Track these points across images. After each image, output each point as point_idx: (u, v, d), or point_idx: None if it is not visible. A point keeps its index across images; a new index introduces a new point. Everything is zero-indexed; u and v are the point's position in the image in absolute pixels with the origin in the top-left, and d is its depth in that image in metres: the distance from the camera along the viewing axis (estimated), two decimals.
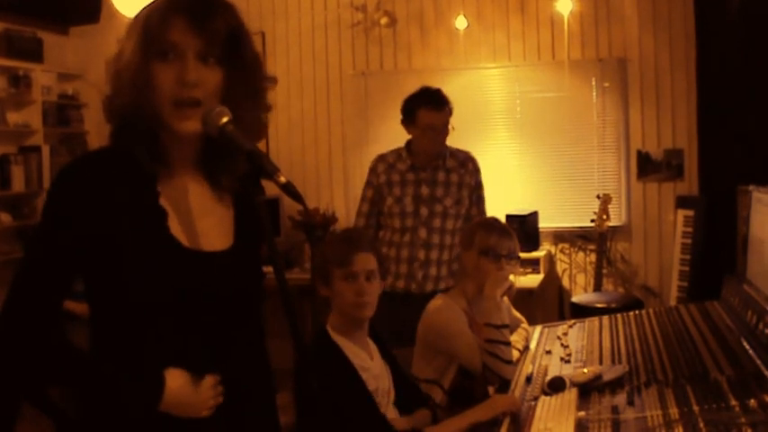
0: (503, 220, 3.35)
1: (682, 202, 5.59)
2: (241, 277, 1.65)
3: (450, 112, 4.00)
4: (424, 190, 4.04)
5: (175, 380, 1.55)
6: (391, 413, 2.57)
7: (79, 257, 1.51)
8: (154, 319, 1.53)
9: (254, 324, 1.72)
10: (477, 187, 4.16)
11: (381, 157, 4.18)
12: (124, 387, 1.53)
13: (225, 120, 1.51)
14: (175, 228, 1.57)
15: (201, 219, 1.62)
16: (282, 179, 1.45)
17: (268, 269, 1.49)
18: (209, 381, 1.58)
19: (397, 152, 4.13)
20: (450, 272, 4.07)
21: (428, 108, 3.94)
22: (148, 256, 1.52)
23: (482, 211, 4.17)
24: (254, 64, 1.63)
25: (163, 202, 1.57)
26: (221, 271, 1.60)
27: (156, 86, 1.52)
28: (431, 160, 4.05)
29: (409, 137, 4.11)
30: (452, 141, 4.12)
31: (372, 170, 4.17)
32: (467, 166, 4.12)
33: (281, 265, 1.49)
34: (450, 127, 4.01)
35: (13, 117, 6.24)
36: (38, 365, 1.53)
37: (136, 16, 1.56)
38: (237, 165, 1.61)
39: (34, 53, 6.35)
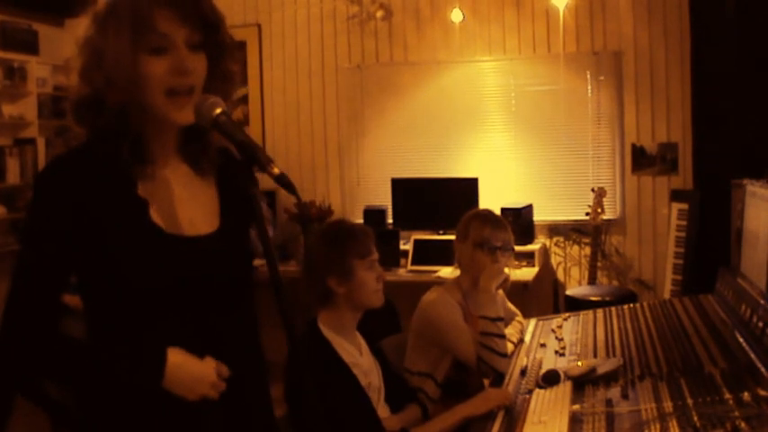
0: (497, 213, 3.35)
1: (676, 196, 5.59)
2: (228, 260, 1.66)
3: None
4: None
5: (177, 356, 1.55)
6: (383, 410, 2.56)
7: (69, 255, 1.52)
8: (145, 308, 1.54)
9: (247, 310, 1.72)
10: None
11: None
12: (126, 368, 1.53)
13: (218, 111, 1.52)
14: (157, 216, 1.58)
15: (185, 205, 1.63)
16: (276, 170, 1.45)
17: (262, 261, 1.48)
18: (211, 361, 1.58)
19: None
20: None
21: None
22: (133, 247, 1.53)
23: None
24: (231, 49, 1.64)
25: (142, 193, 1.58)
26: (206, 254, 1.61)
27: (150, 78, 1.51)
28: None
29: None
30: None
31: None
32: None
33: (274, 256, 1.49)
34: None
35: (8, 109, 6.23)
36: (44, 361, 1.54)
37: (112, 10, 1.53)
38: (211, 142, 1.65)
39: (29, 45, 6.33)
